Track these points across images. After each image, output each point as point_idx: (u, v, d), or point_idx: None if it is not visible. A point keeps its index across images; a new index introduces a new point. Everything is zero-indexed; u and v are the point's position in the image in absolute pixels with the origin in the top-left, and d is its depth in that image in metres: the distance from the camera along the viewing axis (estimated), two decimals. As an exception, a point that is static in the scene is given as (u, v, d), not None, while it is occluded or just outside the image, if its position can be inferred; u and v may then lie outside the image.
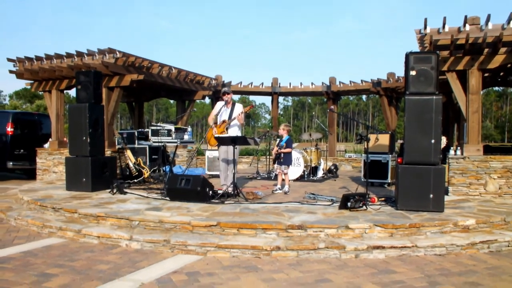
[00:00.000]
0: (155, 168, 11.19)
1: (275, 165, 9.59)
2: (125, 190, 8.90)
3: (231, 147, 8.49)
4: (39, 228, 6.79)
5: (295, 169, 11.67)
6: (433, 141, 6.82)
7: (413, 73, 6.90)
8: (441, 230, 6.01)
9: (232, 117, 8.99)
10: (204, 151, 14.36)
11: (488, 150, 9.24)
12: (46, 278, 4.60)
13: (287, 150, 9.29)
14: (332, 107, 15.36)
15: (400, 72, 16.18)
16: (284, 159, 9.30)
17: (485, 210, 7.01)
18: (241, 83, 17.77)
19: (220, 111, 9.12)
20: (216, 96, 17.06)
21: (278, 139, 9.66)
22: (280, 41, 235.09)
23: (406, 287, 4.34)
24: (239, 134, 9.13)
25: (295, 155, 11.67)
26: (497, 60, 8.50)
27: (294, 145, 14.23)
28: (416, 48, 9.08)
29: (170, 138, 9.91)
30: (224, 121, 9.07)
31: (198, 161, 16.26)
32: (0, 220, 7.76)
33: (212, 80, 15.64)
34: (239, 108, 9.10)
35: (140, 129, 12.63)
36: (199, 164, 15.89)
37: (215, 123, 9.12)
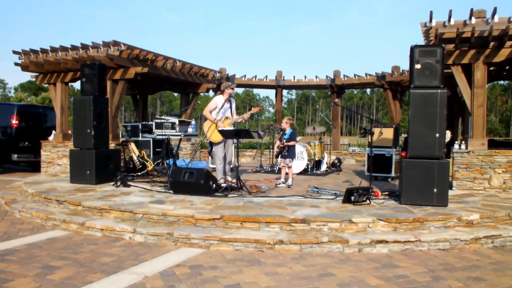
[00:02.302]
0: (158, 161, 11.21)
1: (279, 159, 9.59)
2: (129, 183, 8.92)
3: (229, 142, 8.64)
4: (43, 221, 6.82)
5: (299, 163, 11.66)
6: (437, 135, 6.79)
7: (418, 66, 6.86)
8: (445, 225, 6.00)
9: (239, 115, 9.20)
10: (207, 144, 14.35)
11: (492, 145, 9.19)
12: (50, 270, 4.62)
13: (292, 143, 9.29)
14: (336, 100, 15.27)
15: (404, 66, 16.12)
16: (289, 153, 9.30)
17: (489, 204, 6.98)
18: (245, 76, 17.73)
19: (224, 106, 9.07)
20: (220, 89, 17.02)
21: (281, 133, 9.65)
22: (284, 34, 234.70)
23: (410, 282, 4.34)
24: None
25: (299, 148, 11.66)
26: (503, 53, 8.44)
27: (298, 138, 14.22)
28: (421, 41, 9.03)
29: (174, 131, 9.90)
30: (227, 118, 9.08)
31: (201, 154, 16.26)
32: (5, 213, 7.80)
33: (216, 73, 15.61)
34: (234, 104, 9.38)
35: (144, 122, 12.64)
36: (203, 158, 15.89)
37: (227, 117, 9.10)
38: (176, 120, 9.94)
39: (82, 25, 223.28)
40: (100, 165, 9.26)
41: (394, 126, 11.26)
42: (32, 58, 11.94)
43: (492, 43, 8.43)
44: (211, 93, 17.85)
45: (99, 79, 9.29)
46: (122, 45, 10.57)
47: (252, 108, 9.79)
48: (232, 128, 8.98)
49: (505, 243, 5.73)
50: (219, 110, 8.97)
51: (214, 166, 12.09)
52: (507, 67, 11.36)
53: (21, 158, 14.06)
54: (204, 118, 9.38)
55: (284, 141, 9.31)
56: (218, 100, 9.17)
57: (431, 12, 8.13)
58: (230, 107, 9.18)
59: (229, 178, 9.05)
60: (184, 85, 15.01)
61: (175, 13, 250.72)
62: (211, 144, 9.30)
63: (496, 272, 4.67)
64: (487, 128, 9.48)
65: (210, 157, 12.06)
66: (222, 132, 8.62)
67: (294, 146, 9.44)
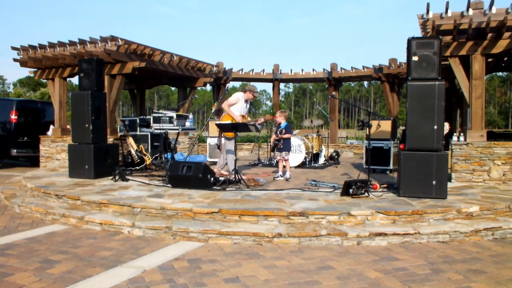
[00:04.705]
0: (156, 155, 11.20)
1: (275, 152, 9.59)
2: (127, 177, 8.92)
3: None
4: (43, 215, 6.82)
5: (297, 156, 11.66)
6: (435, 127, 6.79)
7: (415, 58, 6.85)
8: (444, 217, 6.00)
9: (253, 119, 9.44)
10: (205, 138, 14.35)
11: (491, 136, 9.20)
12: (49, 264, 4.62)
13: (287, 135, 9.27)
14: (334, 93, 15.30)
15: (402, 58, 16.12)
16: (284, 145, 9.28)
17: (489, 196, 6.98)
18: (242, 70, 17.73)
19: (243, 105, 9.26)
20: (218, 83, 17.02)
21: (277, 126, 9.65)
22: (281, 27, 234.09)
23: (409, 274, 4.34)
24: None
25: (297, 141, 11.65)
26: (501, 45, 8.42)
27: (296, 131, 14.22)
28: (418, 33, 9.02)
29: (172, 125, 9.89)
30: (243, 116, 9.23)
31: (199, 148, 16.26)
32: (5, 207, 7.80)
33: (213, 67, 15.60)
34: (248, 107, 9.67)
35: (142, 116, 12.62)
36: (201, 151, 15.89)
37: (243, 116, 9.23)
38: (173, 114, 9.94)
39: (79, 20, 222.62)
40: (99, 159, 9.26)
41: (392, 118, 11.26)
42: (30, 54, 11.94)
43: (489, 35, 8.41)
44: (208, 87, 17.85)
45: (97, 74, 9.27)
46: (119, 40, 10.56)
47: (267, 115, 9.98)
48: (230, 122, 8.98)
49: (505, 235, 5.73)
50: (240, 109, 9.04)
51: (212, 160, 12.14)
52: (505, 58, 11.36)
53: (20, 153, 14.11)
54: (212, 112, 9.44)
55: (279, 134, 9.30)
56: (241, 97, 9.19)
57: (428, 4, 8.11)
58: (247, 108, 9.41)
59: (225, 172, 9.07)
60: (181, 79, 15.01)
61: (171, 7, 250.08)
62: (220, 138, 9.31)
63: (496, 264, 4.67)
64: (486, 119, 9.48)
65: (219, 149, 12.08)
66: (220, 125, 8.62)
67: (289, 138, 9.41)
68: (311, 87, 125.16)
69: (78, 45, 11.04)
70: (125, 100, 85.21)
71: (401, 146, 9.81)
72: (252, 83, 17.40)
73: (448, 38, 8.54)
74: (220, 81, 17.05)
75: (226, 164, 9.32)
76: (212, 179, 7.80)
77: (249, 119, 9.38)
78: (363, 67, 16.41)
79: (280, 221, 5.83)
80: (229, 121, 8.91)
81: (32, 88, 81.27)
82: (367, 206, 6.13)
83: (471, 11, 7.89)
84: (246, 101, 9.28)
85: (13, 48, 12.26)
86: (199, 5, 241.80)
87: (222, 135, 9.14)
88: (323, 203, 6.45)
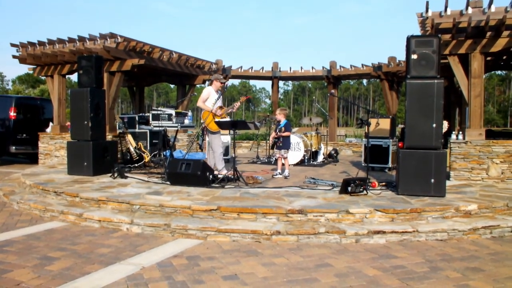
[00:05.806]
0: (155, 152, 11.20)
1: (275, 150, 9.59)
2: (126, 174, 8.92)
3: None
4: (41, 212, 6.82)
5: (296, 154, 11.66)
6: (434, 125, 6.79)
7: (414, 56, 6.85)
8: (443, 215, 6.01)
9: (230, 106, 9.30)
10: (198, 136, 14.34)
11: (490, 135, 9.19)
12: (48, 261, 4.62)
13: (286, 133, 9.27)
14: (333, 91, 15.34)
15: (401, 56, 16.11)
16: (283, 143, 9.28)
17: (487, 195, 6.99)
18: (241, 67, 17.73)
19: (217, 97, 9.09)
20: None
21: (277, 124, 9.63)
22: (280, 25, 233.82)
23: (407, 272, 4.35)
24: None
25: (296, 139, 11.66)
26: (500, 43, 8.42)
27: (294, 129, 14.21)
28: (417, 31, 9.01)
29: (171, 122, 9.90)
30: (221, 107, 9.09)
31: (198, 145, 16.23)
32: (3, 204, 7.80)
33: (212, 64, 15.57)
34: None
35: (141, 114, 12.62)
36: (200, 149, 15.86)
37: (221, 106, 9.10)
38: (172, 112, 9.94)
39: (78, 18, 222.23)
40: (98, 156, 9.26)
41: (391, 116, 11.26)
42: (29, 50, 11.93)
43: (489, 33, 8.41)
44: (207, 84, 17.81)
45: (96, 71, 9.28)
46: (119, 37, 10.55)
47: (241, 98, 9.86)
48: (228, 119, 8.97)
49: (503, 233, 5.74)
50: (215, 102, 8.94)
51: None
52: (504, 57, 11.36)
53: (19, 150, 14.13)
54: (200, 109, 9.29)
55: (278, 131, 9.30)
56: (210, 90, 9.12)
57: (427, 3, 8.11)
58: (220, 98, 9.23)
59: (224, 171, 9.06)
60: (180, 76, 14.98)
61: (171, 4, 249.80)
62: (203, 134, 9.25)
63: (494, 262, 4.68)
64: (484, 118, 9.49)
65: (201, 149, 12.08)
66: (219, 123, 8.61)
67: (288, 136, 9.41)
68: (310, 85, 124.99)
69: (77, 42, 11.03)
70: (124, 97, 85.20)
71: (400, 144, 9.82)
72: (251, 81, 17.39)
73: (447, 37, 8.54)
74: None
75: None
76: (210, 176, 7.82)
77: (225, 108, 9.25)
78: (362, 65, 16.42)
79: (279, 218, 5.84)
80: (227, 119, 8.90)
81: (31, 85, 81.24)
82: (366, 204, 6.14)
83: (470, 10, 7.89)
84: (217, 91, 9.11)
85: (12, 45, 12.24)
86: (199, 3, 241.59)
87: (206, 130, 9.03)
88: (321, 201, 6.45)
